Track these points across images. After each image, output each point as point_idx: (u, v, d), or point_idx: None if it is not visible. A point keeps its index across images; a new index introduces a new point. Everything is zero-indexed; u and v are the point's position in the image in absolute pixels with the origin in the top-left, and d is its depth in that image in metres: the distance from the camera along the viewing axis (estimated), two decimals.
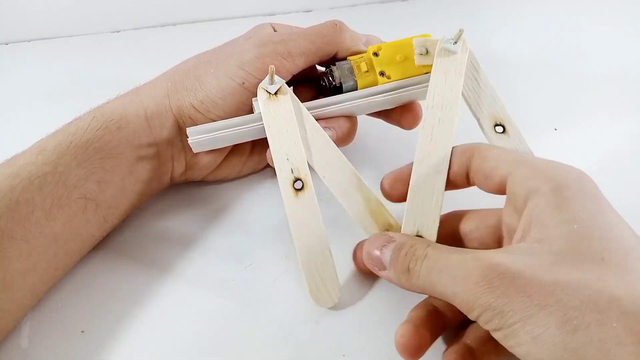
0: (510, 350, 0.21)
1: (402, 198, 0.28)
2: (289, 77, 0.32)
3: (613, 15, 0.48)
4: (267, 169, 0.37)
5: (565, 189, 0.23)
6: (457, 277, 0.22)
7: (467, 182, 0.28)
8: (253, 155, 0.35)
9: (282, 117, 0.30)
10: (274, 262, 0.32)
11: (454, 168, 0.28)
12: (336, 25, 0.33)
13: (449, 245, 0.25)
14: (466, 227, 0.28)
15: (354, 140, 0.34)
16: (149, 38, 0.49)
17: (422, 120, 0.30)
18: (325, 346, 0.28)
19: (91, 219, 0.29)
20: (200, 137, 0.30)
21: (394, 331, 0.29)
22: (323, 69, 0.34)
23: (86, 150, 0.28)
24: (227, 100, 0.30)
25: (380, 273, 0.26)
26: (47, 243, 0.27)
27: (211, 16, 0.51)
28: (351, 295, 0.30)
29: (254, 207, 0.35)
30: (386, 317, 0.29)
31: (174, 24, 0.51)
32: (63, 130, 0.29)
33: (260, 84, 0.30)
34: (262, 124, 0.30)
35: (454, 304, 0.22)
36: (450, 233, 0.29)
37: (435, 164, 0.28)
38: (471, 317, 0.22)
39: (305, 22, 0.35)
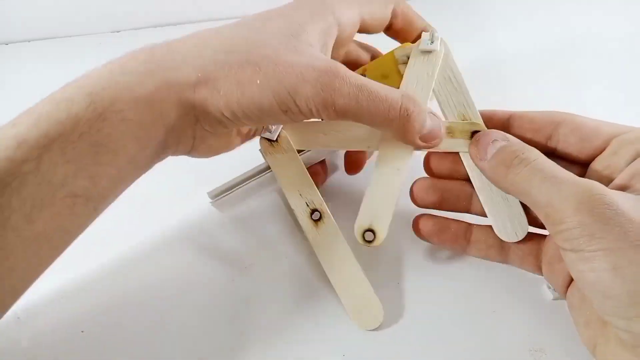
0: (575, 274, 0.22)
1: (429, 205, 0.30)
2: None
3: (616, 13, 0.48)
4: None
5: None
6: (561, 190, 0.22)
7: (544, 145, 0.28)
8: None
9: (286, 159, 0.31)
10: (274, 262, 0.32)
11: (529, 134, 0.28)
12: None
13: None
14: (560, 133, 0.28)
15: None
16: (149, 38, 0.49)
17: None
18: (325, 346, 0.28)
19: (80, 213, 0.25)
20: (221, 197, 0.33)
21: (393, 332, 0.29)
22: None
23: (78, 145, 0.23)
24: (262, 120, 0.27)
25: (478, 162, 0.27)
26: (26, 244, 0.23)
27: (211, 16, 0.51)
28: None
29: (254, 207, 0.35)
30: (386, 317, 0.29)
31: (174, 24, 0.51)
32: (48, 116, 0.23)
33: (261, 134, 0.31)
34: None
35: (539, 212, 0.23)
36: (547, 136, 0.28)
37: (397, 163, 0.29)
38: (553, 229, 0.22)
39: None
